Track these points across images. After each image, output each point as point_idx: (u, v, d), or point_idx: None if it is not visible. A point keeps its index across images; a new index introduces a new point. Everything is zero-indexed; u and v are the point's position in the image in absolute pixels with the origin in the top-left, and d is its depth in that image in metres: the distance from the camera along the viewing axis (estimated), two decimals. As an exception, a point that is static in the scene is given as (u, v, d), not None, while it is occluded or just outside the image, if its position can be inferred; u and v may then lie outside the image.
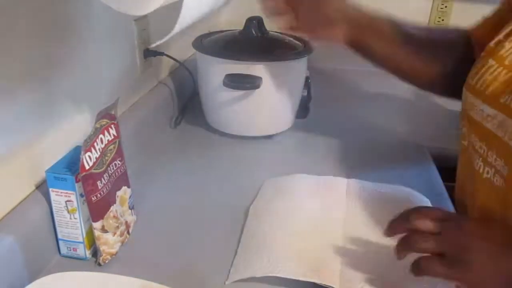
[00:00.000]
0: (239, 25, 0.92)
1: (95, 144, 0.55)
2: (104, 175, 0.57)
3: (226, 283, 0.56)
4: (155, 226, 0.67)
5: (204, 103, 0.97)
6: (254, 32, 0.91)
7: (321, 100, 1.17)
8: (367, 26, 0.71)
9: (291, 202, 0.70)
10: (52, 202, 0.56)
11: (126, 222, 0.63)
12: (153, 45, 0.60)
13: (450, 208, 0.74)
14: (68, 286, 0.50)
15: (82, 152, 0.53)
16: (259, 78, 0.85)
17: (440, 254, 0.47)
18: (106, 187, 0.57)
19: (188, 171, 0.82)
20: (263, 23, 0.93)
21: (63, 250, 0.60)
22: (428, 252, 0.47)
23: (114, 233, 0.59)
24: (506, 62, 0.54)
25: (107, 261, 0.59)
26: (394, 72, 0.76)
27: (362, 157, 0.89)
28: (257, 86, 0.84)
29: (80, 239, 0.58)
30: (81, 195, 0.56)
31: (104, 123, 0.57)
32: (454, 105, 1.23)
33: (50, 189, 0.56)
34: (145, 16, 0.88)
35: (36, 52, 0.58)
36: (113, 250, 0.59)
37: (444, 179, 0.84)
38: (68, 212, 0.57)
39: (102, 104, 0.74)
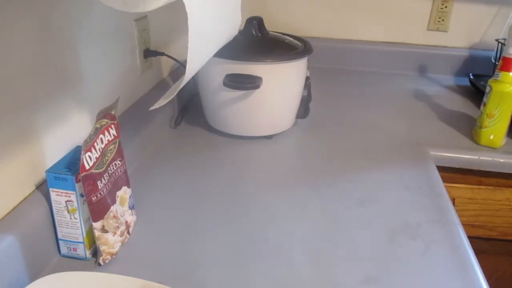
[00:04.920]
0: (240, 25, 0.92)
1: (95, 144, 0.55)
2: (104, 175, 0.57)
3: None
4: (155, 226, 0.67)
5: (204, 103, 0.97)
6: (254, 32, 0.91)
7: (321, 100, 1.17)
8: None
9: None
10: (52, 202, 0.56)
11: (126, 222, 0.63)
12: (154, 107, 0.60)
13: (450, 208, 0.74)
14: (68, 286, 0.50)
15: (82, 152, 0.53)
16: (259, 78, 0.85)
17: None
18: (106, 187, 0.57)
19: (188, 171, 0.82)
20: (263, 23, 0.93)
21: (63, 250, 0.60)
22: None
23: (114, 233, 0.59)
24: None
25: (107, 261, 0.59)
26: None
27: (362, 157, 0.89)
28: (257, 86, 0.84)
29: (80, 239, 0.58)
30: (81, 195, 0.56)
31: (104, 123, 0.57)
32: (454, 105, 1.24)
33: (50, 189, 0.56)
34: (145, 16, 0.88)
35: (37, 52, 0.58)
36: (113, 250, 0.59)
37: (444, 179, 0.84)
38: (68, 212, 0.57)
39: (102, 104, 0.75)
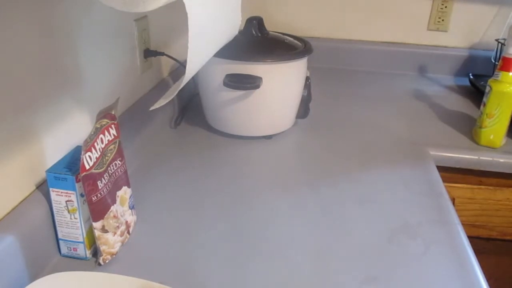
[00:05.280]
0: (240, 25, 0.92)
1: (95, 144, 0.55)
2: (105, 175, 0.57)
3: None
4: (155, 226, 0.67)
5: (204, 103, 0.97)
6: (254, 32, 0.91)
7: (321, 100, 1.17)
8: None
9: None
10: (53, 202, 0.57)
11: (127, 222, 0.63)
12: (154, 107, 0.59)
13: (450, 208, 0.74)
14: (68, 286, 0.50)
15: (83, 152, 0.53)
16: (259, 78, 0.85)
17: None
18: (106, 187, 0.57)
19: (188, 171, 0.82)
20: (263, 23, 0.93)
21: (64, 250, 0.60)
22: None
23: (114, 233, 0.59)
24: None
25: (107, 261, 0.59)
26: None
27: (362, 157, 0.89)
28: (257, 86, 0.84)
29: (81, 239, 0.58)
30: (82, 195, 0.56)
31: (104, 123, 0.57)
32: (454, 105, 1.24)
33: (51, 189, 0.56)
34: (145, 16, 0.88)
35: (37, 52, 0.58)
36: (113, 250, 0.59)
37: (444, 179, 0.84)
38: (69, 212, 0.57)
39: (102, 104, 0.75)
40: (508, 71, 0.91)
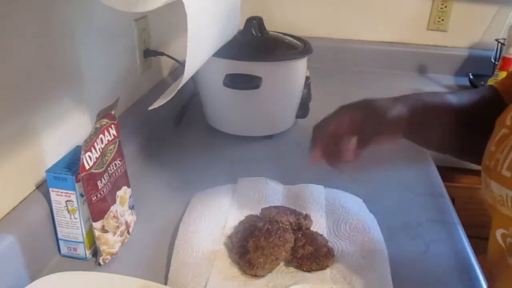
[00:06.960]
0: (239, 25, 0.92)
1: (95, 144, 0.55)
2: (104, 175, 0.57)
3: None
4: (155, 226, 0.67)
5: (204, 103, 0.97)
6: (254, 32, 0.91)
7: (321, 100, 1.17)
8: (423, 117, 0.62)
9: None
10: (52, 202, 0.57)
11: (126, 222, 0.63)
12: (153, 106, 0.58)
13: (450, 208, 0.74)
14: (68, 286, 0.50)
15: (82, 152, 0.53)
16: (259, 78, 0.85)
17: None
18: (106, 187, 0.57)
19: (188, 171, 0.82)
20: (263, 23, 0.93)
21: (63, 250, 0.60)
22: None
23: (114, 233, 0.59)
24: None
25: (107, 261, 0.59)
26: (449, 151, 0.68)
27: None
28: (257, 86, 0.84)
29: (80, 239, 0.58)
30: (81, 195, 0.56)
31: (104, 123, 0.57)
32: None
33: (50, 189, 0.56)
34: (145, 16, 0.88)
35: (37, 52, 0.58)
36: (113, 250, 0.59)
37: (444, 179, 0.84)
38: (68, 212, 0.57)
39: (102, 104, 0.75)
40: (508, 70, 0.91)
